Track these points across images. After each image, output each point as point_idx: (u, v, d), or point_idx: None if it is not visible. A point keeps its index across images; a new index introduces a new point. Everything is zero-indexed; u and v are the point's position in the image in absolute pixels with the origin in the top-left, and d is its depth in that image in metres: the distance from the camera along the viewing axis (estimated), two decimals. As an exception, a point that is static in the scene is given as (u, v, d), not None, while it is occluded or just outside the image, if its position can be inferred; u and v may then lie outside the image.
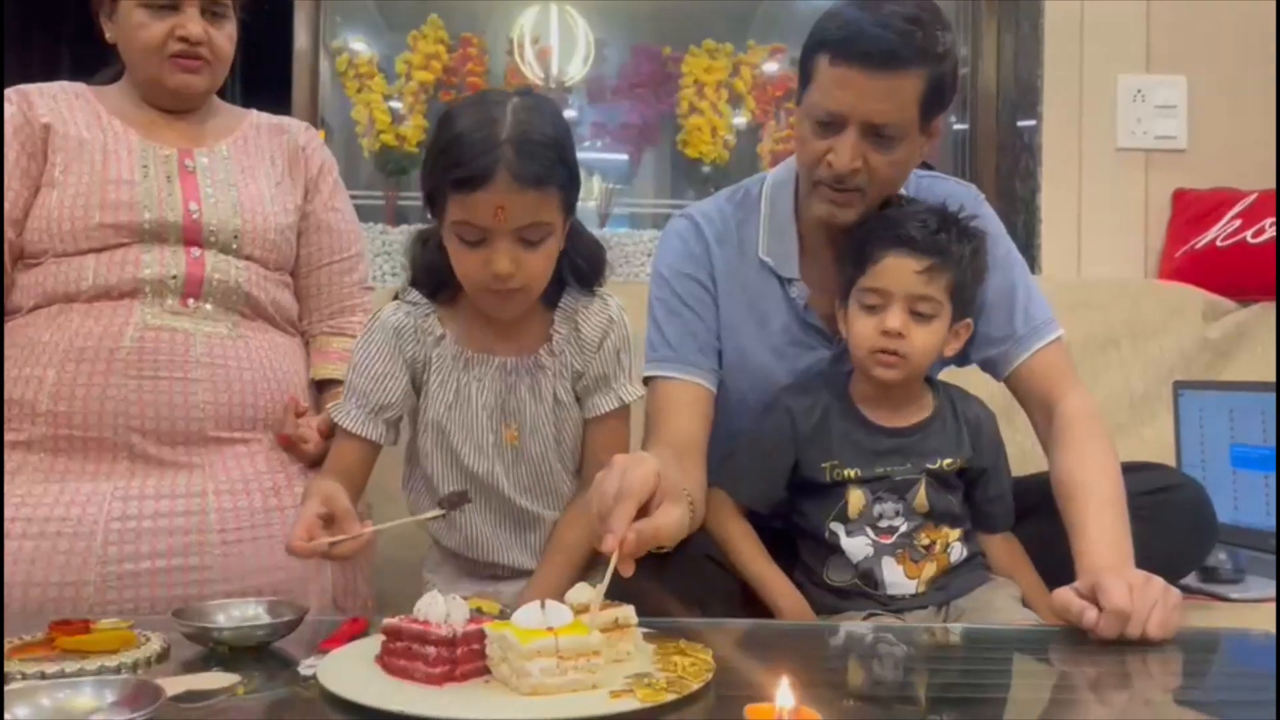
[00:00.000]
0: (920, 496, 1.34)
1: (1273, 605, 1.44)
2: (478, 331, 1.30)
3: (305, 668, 0.92)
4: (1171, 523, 1.40)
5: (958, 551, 1.34)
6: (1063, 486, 1.31)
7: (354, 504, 1.19)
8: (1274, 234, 2.24)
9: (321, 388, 1.50)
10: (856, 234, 1.36)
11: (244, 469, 1.33)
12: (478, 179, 1.15)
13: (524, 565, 1.35)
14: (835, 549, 1.35)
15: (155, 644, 0.97)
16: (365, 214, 2.65)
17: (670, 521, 1.00)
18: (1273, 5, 2.34)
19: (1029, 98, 2.51)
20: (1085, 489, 1.27)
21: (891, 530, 1.34)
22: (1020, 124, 2.54)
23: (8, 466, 1.28)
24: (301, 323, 1.55)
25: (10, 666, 0.91)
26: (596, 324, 1.34)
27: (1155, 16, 2.44)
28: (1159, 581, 1.09)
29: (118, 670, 0.91)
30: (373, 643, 0.95)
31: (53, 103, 1.45)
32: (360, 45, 2.72)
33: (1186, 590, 1.45)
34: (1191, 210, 2.37)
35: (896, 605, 1.32)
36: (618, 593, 0.96)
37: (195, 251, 1.40)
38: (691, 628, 1.08)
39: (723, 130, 2.67)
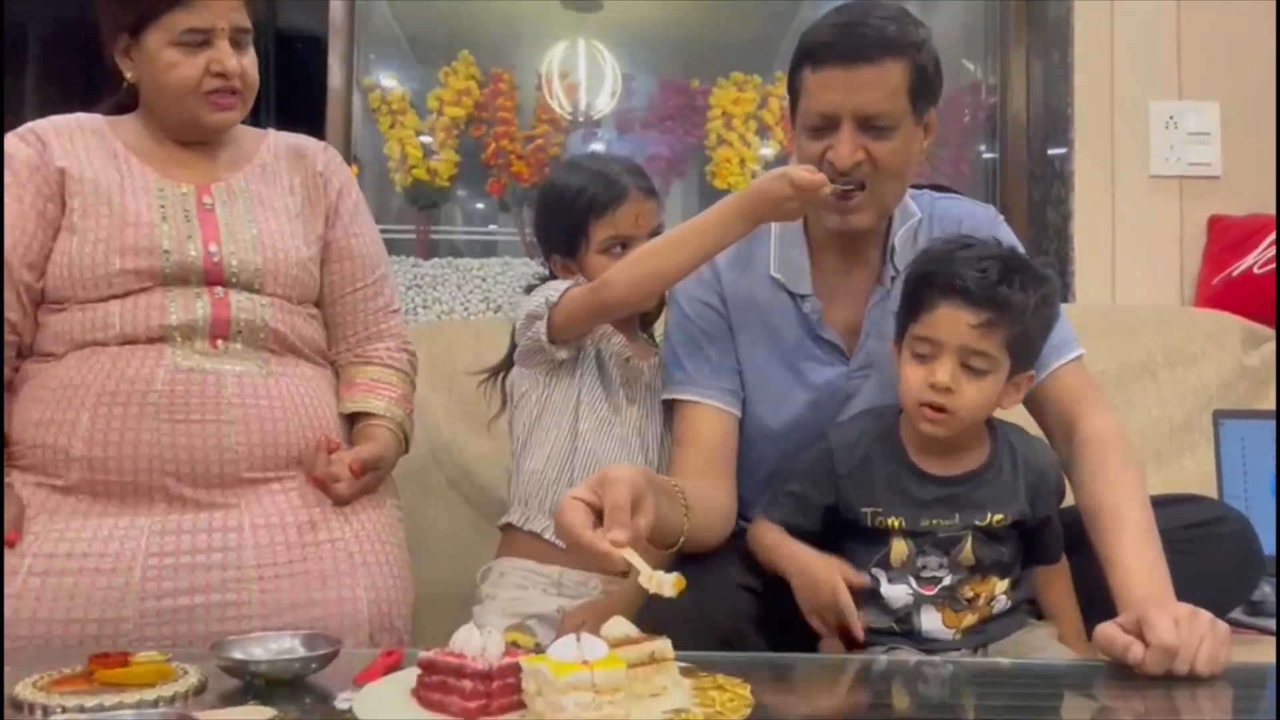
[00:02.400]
0: (966, 552, 1.28)
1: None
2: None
3: (341, 701, 0.92)
4: (1216, 557, 1.38)
5: (1002, 603, 1.30)
6: (1091, 514, 1.29)
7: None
8: (1313, 260, 2.21)
9: (352, 421, 1.50)
10: (912, 273, 1.32)
11: (279, 505, 1.33)
12: (620, 197, 1.48)
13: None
14: (874, 593, 1.31)
15: (193, 677, 0.97)
16: (397, 247, 2.70)
17: (650, 519, 1.10)
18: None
19: (1059, 125, 2.50)
20: (1116, 517, 1.26)
21: (935, 581, 1.29)
22: (1051, 152, 2.53)
23: (46, 505, 1.29)
24: (330, 350, 1.55)
25: (49, 700, 0.91)
26: None
27: (1186, 42, 2.43)
28: (1205, 615, 1.07)
29: (155, 704, 0.91)
30: (408, 675, 0.94)
31: (69, 144, 1.45)
32: (392, 82, 2.75)
33: (1233, 624, 1.42)
34: (1227, 237, 2.35)
35: (930, 648, 1.29)
36: (653, 625, 0.97)
37: (219, 292, 1.41)
38: (729, 661, 1.07)
39: (751, 161, 2.68)
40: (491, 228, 2.92)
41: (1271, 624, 1.44)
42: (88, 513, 1.28)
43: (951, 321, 1.25)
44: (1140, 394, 2.08)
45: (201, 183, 1.48)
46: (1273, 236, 2.29)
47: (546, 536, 1.43)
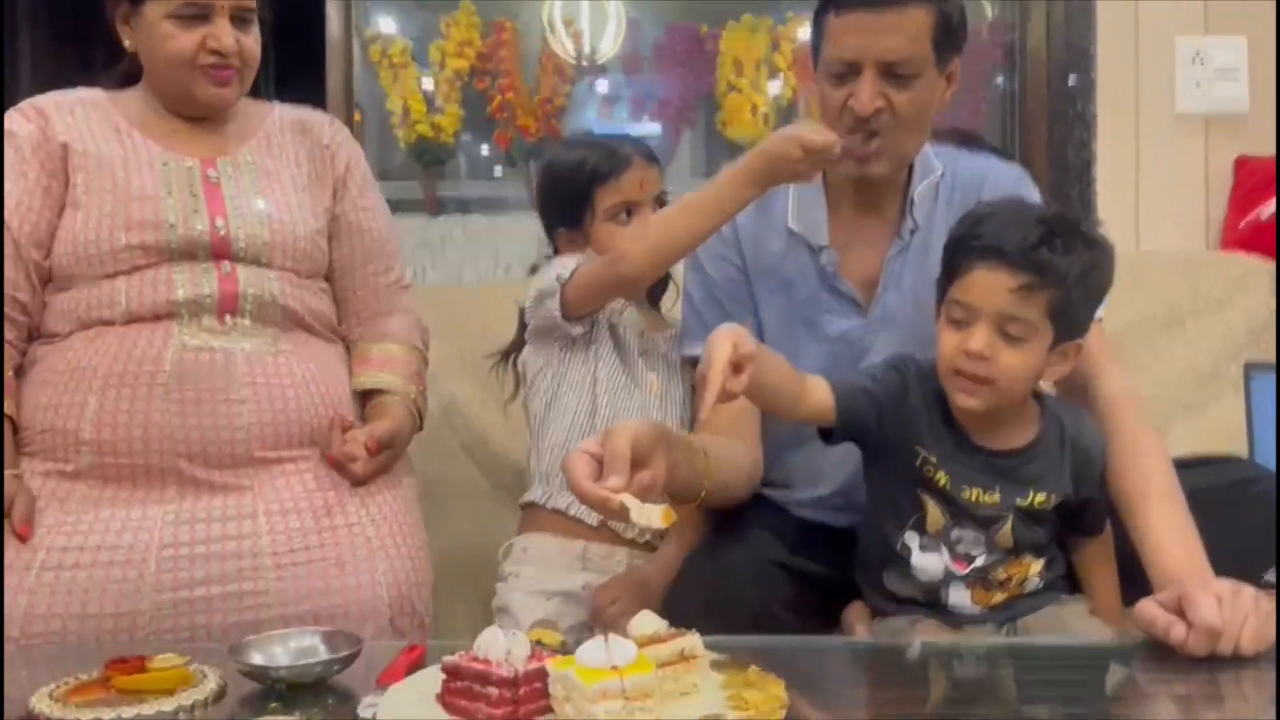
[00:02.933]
0: (1005, 532, 1.24)
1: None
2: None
3: (365, 708, 0.90)
4: (1248, 518, 1.35)
5: (1035, 583, 1.27)
6: (1116, 481, 1.25)
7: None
8: (1344, 201, 2.15)
9: (365, 398, 1.47)
10: (952, 235, 1.26)
11: (294, 488, 1.31)
12: (624, 163, 1.50)
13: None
14: (904, 559, 1.27)
15: (212, 681, 0.95)
16: (403, 206, 2.64)
17: (661, 471, 1.10)
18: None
19: (1082, 63, 2.41)
20: (1143, 486, 1.23)
21: (969, 559, 1.24)
22: (1073, 90, 2.45)
23: (56, 494, 1.26)
24: (341, 327, 1.52)
25: (67, 713, 0.90)
26: None
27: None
28: (1249, 591, 1.05)
29: (175, 714, 0.89)
30: (431, 676, 0.92)
31: (70, 118, 1.41)
32: (393, 31, 2.67)
33: (1265, 586, 1.39)
34: (1255, 179, 2.28)
35: (956, 620, 1.27)
36: (684, 601, 0.95)
37: (226, 267, 1.37)
38: (760, 648, 1.05)
39: (763, 107, 2.61)
40: (497, 173, 2.85)
41: (1308, 585, 1.41)
42: (98, 500, 1.26)
43: (988, 284, 1.18)
44: (1167, 344, 2.03)
45: (206, 156, 1.44)
46: (1303, 177, 2.22)
47: (571, 513, 1.42)
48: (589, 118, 2.73)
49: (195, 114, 1.45)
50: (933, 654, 1.14)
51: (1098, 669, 1.06)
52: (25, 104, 1.44)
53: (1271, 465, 1.62)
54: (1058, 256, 1.18)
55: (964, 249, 1.22)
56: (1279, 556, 1.30)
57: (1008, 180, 1.45)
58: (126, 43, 1.45)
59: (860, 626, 1.34)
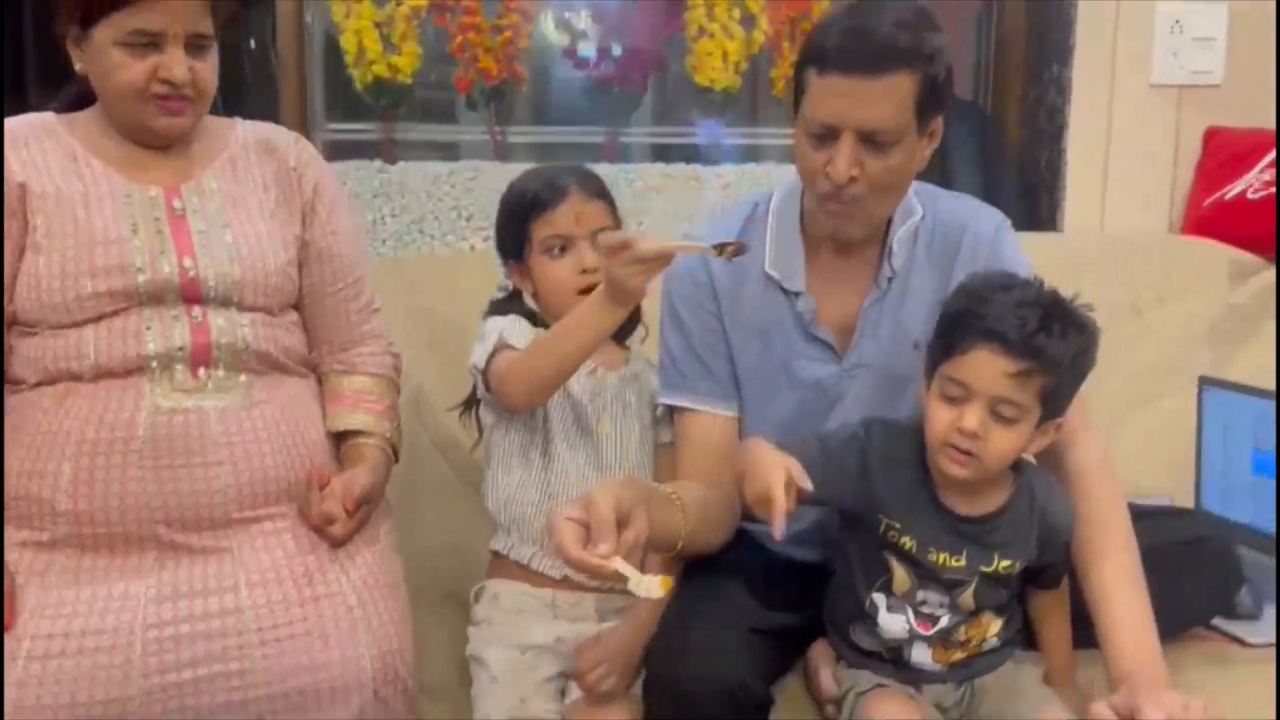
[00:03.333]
0: (968, 596, 1.30)
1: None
2: None
3: None
4: (1197, 576, 1.44)
5: (993, 643, 1.33)
6: (1082, 552, 1.31)
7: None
8: (1309, 188, 2.16)
9: (340, 437, 1.46)
10: (948, 310, 1.28)
11: (274, 554, 1.31)
12: (559, 196, 1.48)
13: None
14: (870, 617, 1.33)
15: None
16: (360, 150, 2.56)
17: (644, 529, 1.15)
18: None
19: (1061, 25, 2.36)
20: (1107, 565, 1.29)
21: (933, 620, 1.31)
22: (1050, 53, 2.41)
23: (34, 568, 1.26)
24: (311, 354, 1.50)
25: None
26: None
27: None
28: (1196, 705, 1.11)
29: None
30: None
31: (25, 152, 1.34)
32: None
33: (1207, 630, 1.48)
34: (1224, 153, 2.29)
35: (917, 678, 1.33)
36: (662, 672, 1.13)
37: (197, 313, 1.34)
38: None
39: (734, 55, 2.52)
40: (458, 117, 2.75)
41: (1242, 631, 1.49)
42: (77, 572, 1.25)
43: (987, 367, 1.22)
44: (1125, 336, 2.06)
45: (170, 183, 1.38)
46: (1270, 158, 2.23)
47: (534, 567, 1.45)
48: (554, 61, 2.63)
49: (150, 143, 1.39)
50: None
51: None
52: None
53: (1217, 477, 1.71)
54: (1054, 342, 1.22)
55: (965, 328, 1.24)
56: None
57: (987, 228, 1.45)
58: (78, 65, 1.36)
59: (825, 670, 1.41)
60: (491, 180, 2.54)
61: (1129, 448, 1.94)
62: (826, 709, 1.39)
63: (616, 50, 2.55)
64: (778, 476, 1.17)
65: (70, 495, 1.26)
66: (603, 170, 2.50)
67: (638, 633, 1.36)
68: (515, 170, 2.47)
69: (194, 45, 1.33)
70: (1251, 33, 2.29)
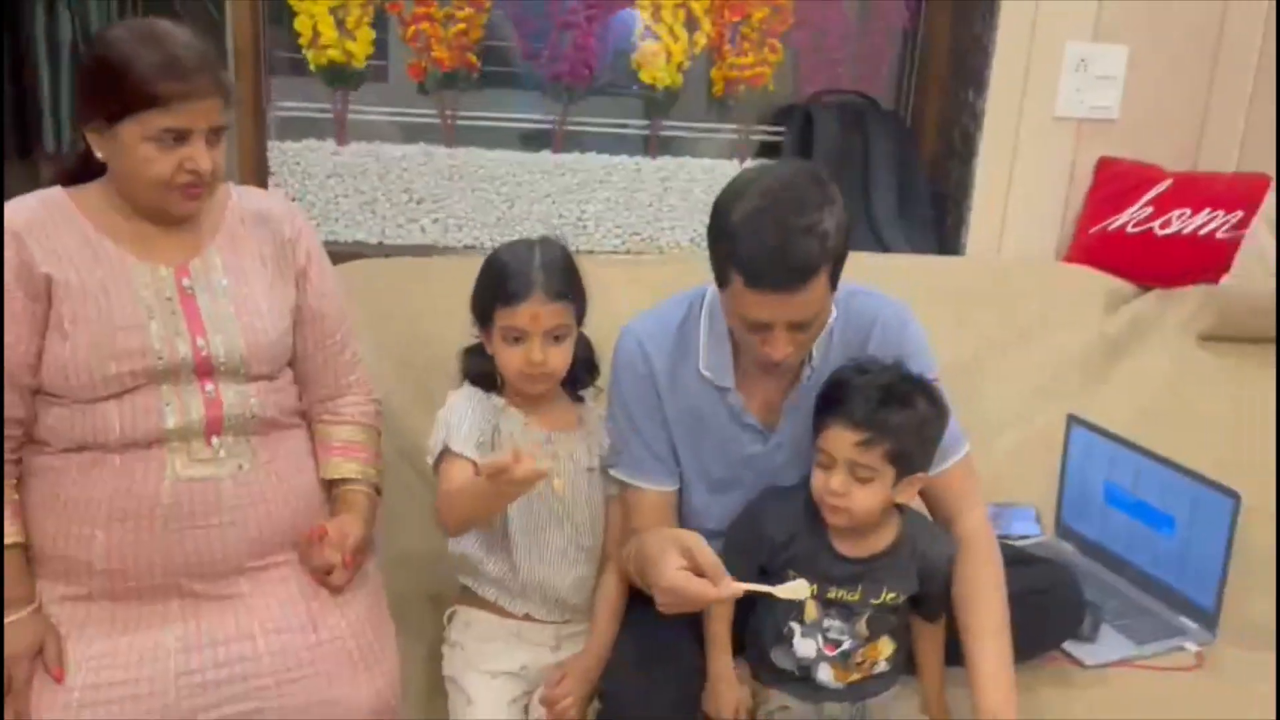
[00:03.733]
0: (862, 624, 1.59)
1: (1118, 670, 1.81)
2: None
3: None
4: (1050, 615, 1.76)
5: (883, 667, 1.63)
6: (961, 610, 1.60)
7: None
8: (1180, 228, 2.44)
9: (330, 483, 1.65)
10: (819, 394, 1.56)
11: (280, 599, 1.52)
12: (520, 295, 1.57)
13: (565, 595, 1.68)
14: (787, 641, 1.62)
15: None
16: (314, 128, 2.65)
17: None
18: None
19: (979, 56, 2.55)
20: (981, 623, 1.57)
21: (837, 644, 1.60)
22: (967, 79, 2.61)
23: (75, 619, 1.45)
24: (302, 401, 1.67)
25: None
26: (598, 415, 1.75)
27: (1110, -19, 2.48)
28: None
29: None
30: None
31: (45, 242, 1.46)
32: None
33: (1055, 651, 1.82)
34: (1114, 184, 2.54)
35: (821, 696, 1.64)
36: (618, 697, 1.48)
37: (209, 388, 1.50)
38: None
39: (677, 55, 2.66)
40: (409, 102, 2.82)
41: (1081, 653, 1.83)
42: (112, 621, 1.45)
43: (838, 438, 1.52)
44: (1011, 358, 2.34)
45: (179, 261, 1.52)
46: (1150, 194, 2.49)
47: (499, 604, 1.67)
48: (506, 52, 2.72)
49: (165, 224, 1.51)
50: None
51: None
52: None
53: (1074, 496, 2.02)
54: (894, 414, 1.50)
55: (824, 409, 1.54)
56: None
57: (893, 320, 1.66)
58: (99, 153, 1.47)
59: (745, 686, 1.70)
60: (442, 164, 2.68)
61: (1002, 460, 2.24)
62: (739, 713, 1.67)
63: (566, 45, 2.66)
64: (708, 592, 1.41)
65: (104, 556, 1.45)
66: (550, 159, 2.69)
67: (598, 658, 1.62)
68: (464, 156, 2.65)
69: (213, 136, 1.46)
70: (1147, 73, 2.53)
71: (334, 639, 1.52)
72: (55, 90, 4.26)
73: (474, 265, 1.69)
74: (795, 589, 1.46)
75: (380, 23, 2.61)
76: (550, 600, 1.68)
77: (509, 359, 1.62)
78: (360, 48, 2.57)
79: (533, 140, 2.74)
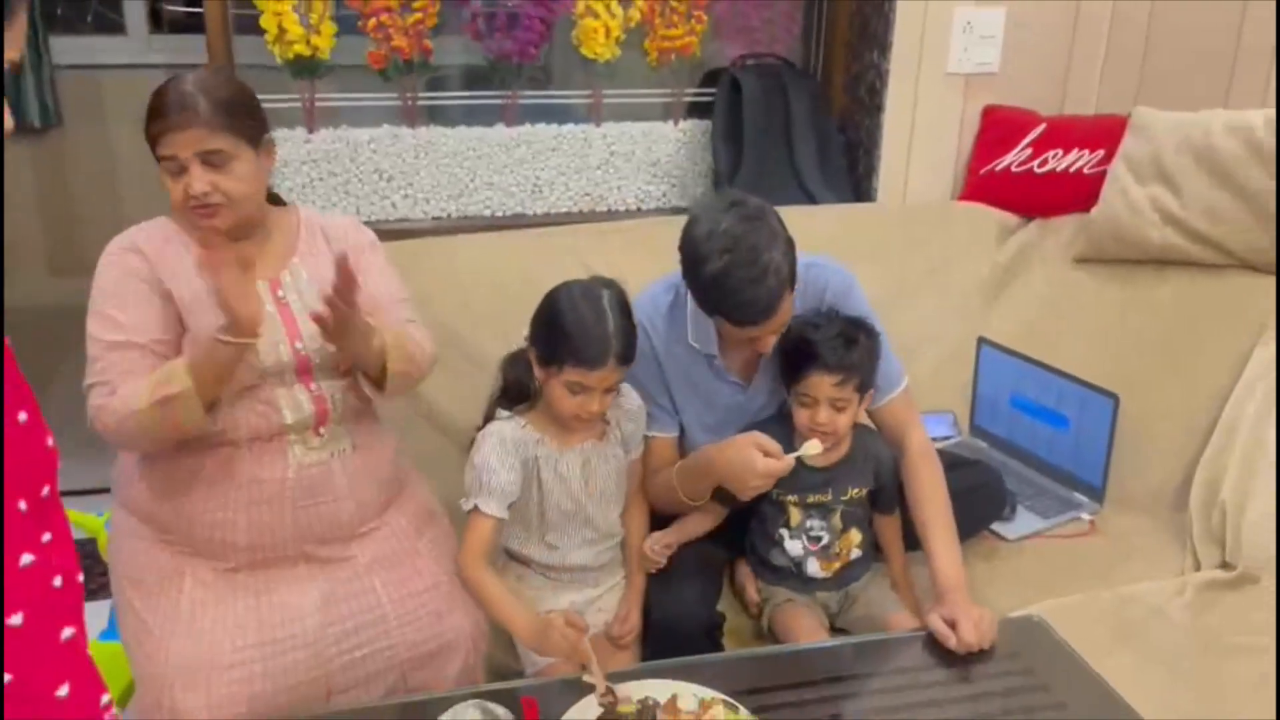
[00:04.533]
0: (836, 518, 2.03)
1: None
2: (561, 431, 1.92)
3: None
4: (981, 505, 2.22)
5: (857, 554, 2.07)
6: (915, 509, 2.02)
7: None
8: (1054, 166, 2.89)
9: None
10: (789, 346, 1.96)
11: (387, 555, 1.84)
12: (597, 362, 1.77)
13: (593, 563, 2.00)
14: (779, 543, 2.05)
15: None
16: (284, 118, 2.84)
17: None
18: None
19: (882, 21, 2.92)
20: (932, 518, 1.99)
21: (818, 540, 2.04)
22: (872, 43, 2.97)
23: (227, 588, 1.73)
24: None
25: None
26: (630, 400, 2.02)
27: (989, -50, 2.86)
28: (989, 614, 1.87)
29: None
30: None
31: (163, 261, 1.70)
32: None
33: (984, 531, 2.29)
34: (998, 129, 2.95)
35: (813, 586, 2.07)
36: (654, 625, 1.92)
37: (313, 386, 1.77)
38: (709, 664, 1.78)
39: (614, 30, 2.94)
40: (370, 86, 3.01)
41: (1003, 529, 2.31)
42: (256, 587, 1.74)
43: (820, 383, 1.92)
44: (921, 289, 2.76)
45: (271, 276, 1.79)
46: (1028, 138, 2.93)
47: (535, 557, 1.97)
48: (460, 39, 2.95)
49: (240, 240, 1.74)
50: (816, 657, 1.91)
51: (908, 653, 1.87)
52: (124, 243, 1.72)
53: (986, 405, 2.49)
54: (854, 355, 1.93)
55: (799, 362, 1.94)
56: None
57: (840, 286, 2.05)
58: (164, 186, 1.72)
59: (749, 585, 2.12)
60: (407, 144, 2.91)
61: (922, 373, 2.65)
62: (751, 609, 2.11)
63: (515, 27, 2.91)
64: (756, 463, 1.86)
65: (247, 535, 1.75)
66: (504, 132, 2.95)
67: (638, 593, 2.00)
68: (427, 135, 2.89)
69: (210, 161, 1.67)
70: (1023, 31, 2.93)
71: (436, 584, 1.86)
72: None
73: (459, 246, 2.28)
74: (810, 446, 1.90)
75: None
76: (578, 569, 2.00)
77: (566, 404, 1.80)
78: (324, 41, 2.77)
79: (485, 112, 2.99)
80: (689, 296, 1.98)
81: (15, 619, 0.85)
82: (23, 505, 0.86)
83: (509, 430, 1.87)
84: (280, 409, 1.75)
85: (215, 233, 1.69)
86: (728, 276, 1.78)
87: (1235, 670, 1.86)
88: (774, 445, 1.86)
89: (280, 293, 1.78)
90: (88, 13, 4.14)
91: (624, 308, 1.84)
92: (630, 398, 2.01)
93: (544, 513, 1.92)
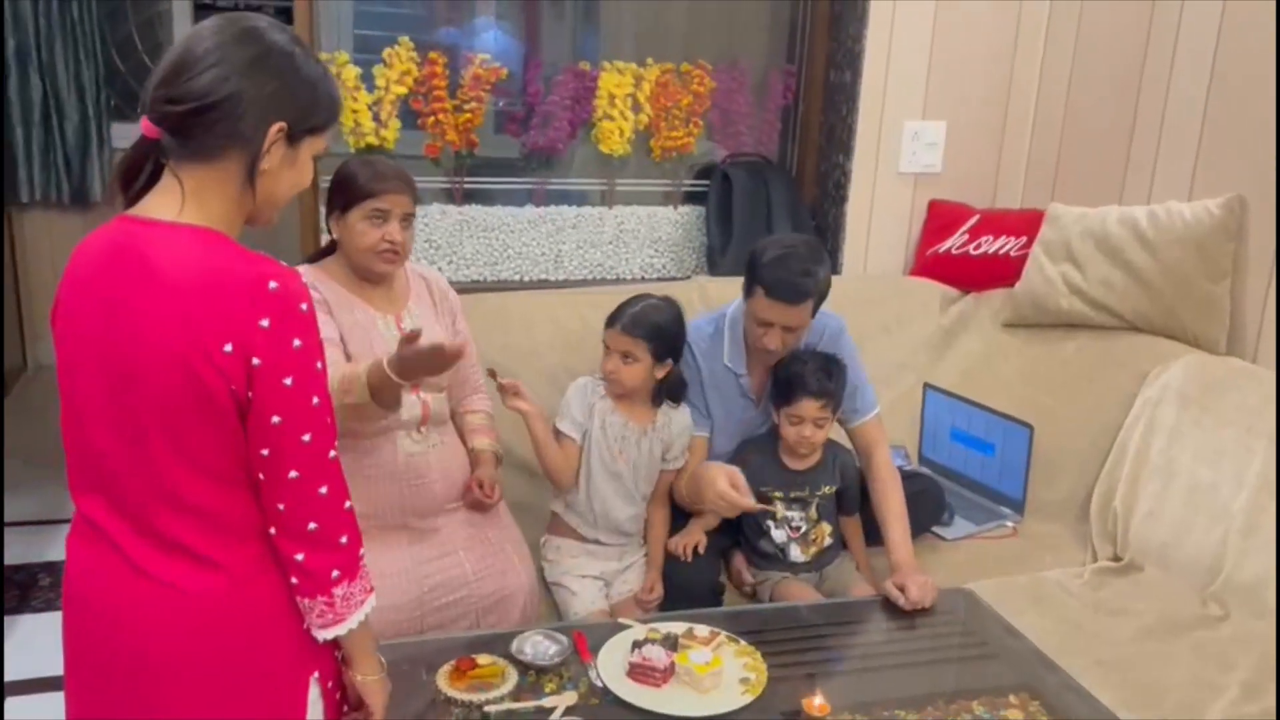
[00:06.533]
0: (812, 510, 2.58)
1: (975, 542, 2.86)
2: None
3: (596, 679, 2.06)
4: (926, 510, 2.78)
5: (828, 541, 2.62)
6: (878, 510, 2.58)
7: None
8: (986, 250, 3.53)
9: (470, 452, 2.47)
10: (781, 376, 2.53)
11: (464, 527, 2.36)
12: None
13: (623, 526, 2.54)
14: (766, 533, 2.60)
15: (514, 672, 2.06)
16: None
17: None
18: (1003, 66, 3.49)
19: (845, 134, 3.57)
20: (890, 516, 2.55)
21: (798, 529, 2.59)
22: (839, 150, 3.62)
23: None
24: (449, 397, 2.48)
25: (454, 693, 1.99)
26: (680, 422, 2.58)
27: (932, 74, 3.53)
28: (931, 580, 2.42)
29: (503, 699, 2.01)
30: (619, 649, 2.09)
31: (322, 297, 2.22)
32: (346, 61, 3.33)
33: (925, 532, 2.85)
34: (940, 220, 3.60)
35: (795, 569, 2.61)
36: (672, 588, 2.43)
37: (421, 395, 2.32)
38: (721, 615, 2.31)
39: (626, 131, 3.57)
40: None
41: (942, 531, 2.87)
42: (371, 549, 2.24)
43: (807, 407, 2.49)
44: (879, 344, 3.35)
45: (395, 312, 2.33)
46: (965, 226, 3.57)
47: (579, 531, 2.53)
48: (501, 136, 3.57)
49: (371, 280, 2.31)
50: (801, 613, 2.45)
51: (868, 614, 2.41)
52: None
53: (931, 451, 3.07)
54: (832, 384, 2.50)
55: (794, 388, 2.50)
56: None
57: (834, 328, 2.66)
58: (334, 234, 2.28)
59: (745, 571, 2.66)
60: (453, 219, 3.50)
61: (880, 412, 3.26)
62: (744, 589, 2.64)
63: (547, 127, 3.53)
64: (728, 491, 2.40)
65: (363, 505, 2.24)
66: (533, 211, 3.56)
67: (659, 568, 2.54)
68: (470, 212, 3.48)
69: (405, 220, 2.27)
70: (959, 139, 3.60)
71: (500, 549, 2.39)
72: (29, 146, 4.87)
73: (504, 300, 2.79)
74: (773, 509, 2.45)
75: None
76: (613, 527, 2.56)
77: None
78: (390, 134, 3.37)
79: (518, 196, 3.60)
80: (727, 325, 2.59)
81: None
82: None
83: (587, 384, 2.52)
84: (399, 412, 2.29)
85: (389, 274, 2.29)
86: (782, 260, 2.40)
87: (1119, 625, 2.41)
88: (745, 486, 2.40)
89: (404, 325, 2.33)
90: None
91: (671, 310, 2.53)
92: (682, 414, 2.58)
93: (589, 462, 2.47)
